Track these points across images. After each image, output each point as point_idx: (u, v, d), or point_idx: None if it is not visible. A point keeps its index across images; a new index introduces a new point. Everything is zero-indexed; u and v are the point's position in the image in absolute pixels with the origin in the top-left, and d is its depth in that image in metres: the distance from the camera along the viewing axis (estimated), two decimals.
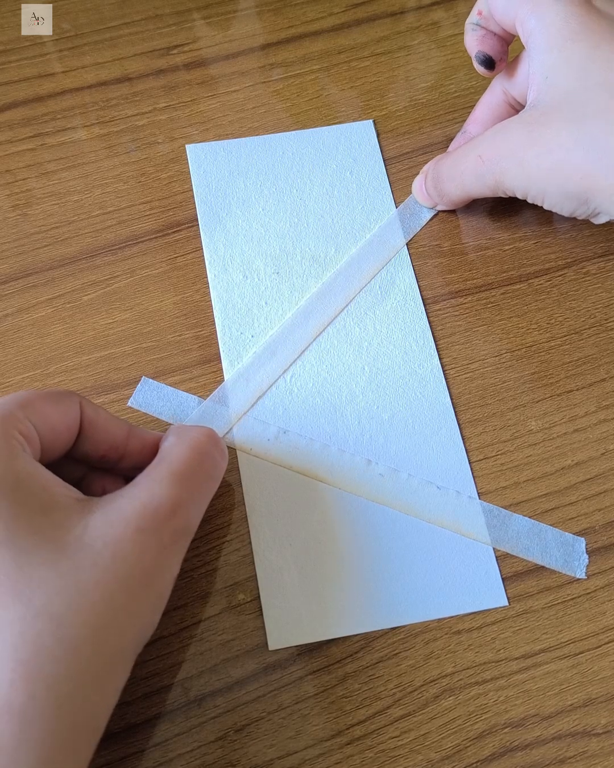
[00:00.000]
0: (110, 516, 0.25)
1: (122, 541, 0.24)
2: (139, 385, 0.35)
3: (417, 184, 0.39)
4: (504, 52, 0.36)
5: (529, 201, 0.34)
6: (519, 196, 0.34)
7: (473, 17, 0.36)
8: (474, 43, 0.36)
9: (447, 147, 0.41)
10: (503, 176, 0.33)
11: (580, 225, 0.39)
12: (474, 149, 0.34)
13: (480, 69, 0.36)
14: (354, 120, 0.42)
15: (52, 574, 0.23)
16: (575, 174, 0.31)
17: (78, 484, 0.30)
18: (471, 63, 0.43)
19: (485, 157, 0.33)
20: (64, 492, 0.25)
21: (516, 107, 0.37)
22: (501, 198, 0.39)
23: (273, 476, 0.34)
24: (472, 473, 0.34)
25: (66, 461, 0.29)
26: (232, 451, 0.34)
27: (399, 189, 0.40)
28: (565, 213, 0.33)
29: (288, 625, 0.31)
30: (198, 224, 0.39)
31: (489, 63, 0.36)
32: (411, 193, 0.40)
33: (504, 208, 0.40)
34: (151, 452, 0.29)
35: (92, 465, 0.30)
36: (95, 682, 0.23)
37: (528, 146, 0.32)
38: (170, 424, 0.30)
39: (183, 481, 0.27)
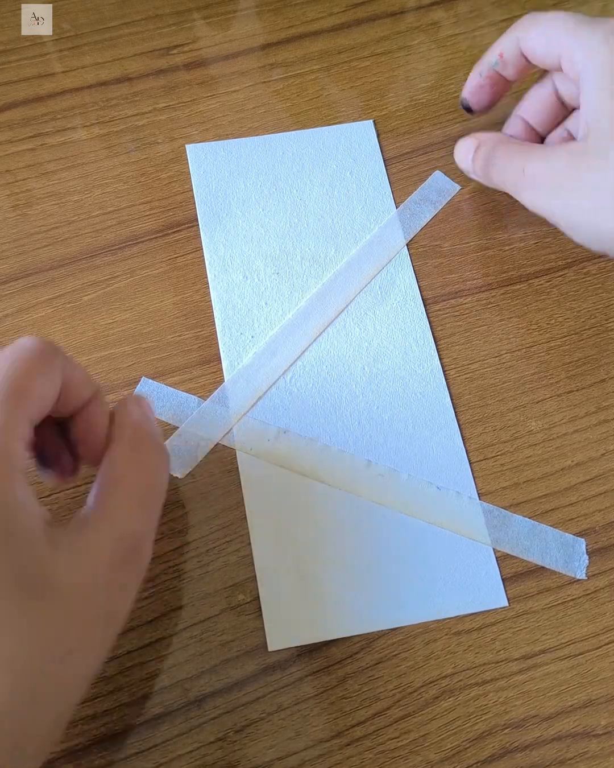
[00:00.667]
0: (81, 555, 0.23)
1: (94, 587, 0.23)
2: (138, 385, 0.35)
3: (464, 148, 0.38)
4: (490, 106, 0.39)
5: (560, 228, 0.34)
6: (551, 222, 0.34)
7: (492, 58, 0.36)
8: (472, 87, 0.38)
9: (447, 146, 0.41)
10: (539, 200, 0.34)
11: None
12: (522, 158, 0.34)
13: (461, 107, 0.39)
14: (355, 120, 0.42)
15: (23, 623, 0.21)
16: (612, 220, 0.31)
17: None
18: (472, 63, 0.43)
19: (527, 173, 0.34)
20: (38, 523, 0.23)
21: (566, 104, 0.37)
22: (499, 211, 0.39)
23: (273, 477, 0.34)
24: (472, 474, 0.34)
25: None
26: (231, 451, 0.34)
27: (400, 189, 0.40)
28: (593, 249, 0.34)
29: (287, 625, 0.31)
30: (198, 224, 0.39)
31: (467, 110, 0.39)
32: (410, 193, 0.40)
33: (505, 208, 0.40)
34: (98, 434, 0.27)
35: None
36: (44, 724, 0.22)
37: (570, 179, 0.32)
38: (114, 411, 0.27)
39: (144, 512, 0.25)
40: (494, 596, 0.32)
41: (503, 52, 0.35)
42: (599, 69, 0.31)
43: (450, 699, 0.30)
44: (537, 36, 0.34)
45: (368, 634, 0.31)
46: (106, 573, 0.23)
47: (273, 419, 0.35)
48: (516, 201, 0.39)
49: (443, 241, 0.39)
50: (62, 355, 0.25)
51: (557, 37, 0.33)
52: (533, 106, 0.38)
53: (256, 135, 0.41)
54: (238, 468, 0.34)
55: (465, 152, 0.38)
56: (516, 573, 0.32)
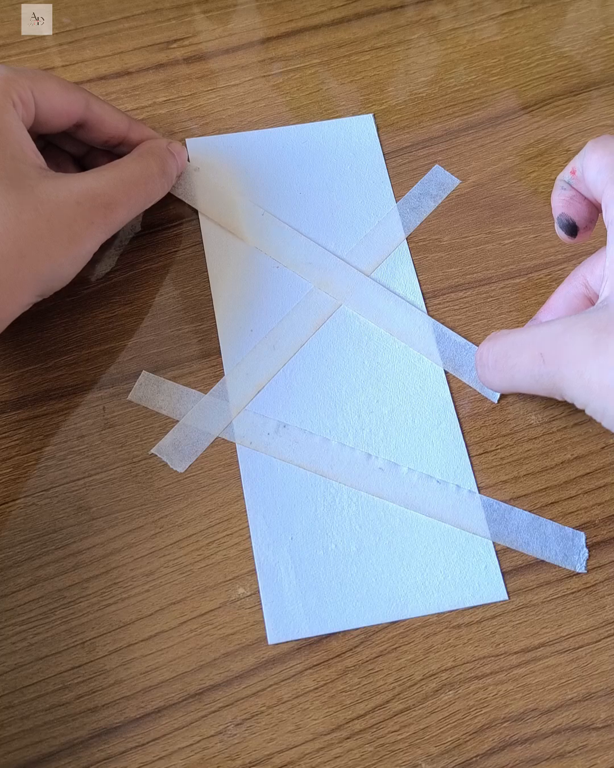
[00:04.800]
0: (59, 186, 0.31)
1: (62, 205, 0.31)
2: (138, 379, 0.35)
3: (476, 365, 0.34)
4: (592, 220, 0.32)
5: (588, 414, 0.29)
6: (580, 407, 0.29)
7: (566, 175, 0.32)
8: (560, 203, 0.32)
9: (447, 140, 0.41)
10: (562, 383, 0.28)
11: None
12: (534, 344, 0.29)
13: (561, 234, 0.33)
14: (354, 114, 0.42)
15: (4, 204, 0.29)
16: None
17: (82, 159, 0.38)
18: (471, 57, 0.43)
19: (547, 357, 0.28)
20: (33, 157, 0.32)
21: (595, 302, 0.32)
22: (498, 205, 0.39)
23: (272, 470, 0.34)
24: (472, 467, 0.34)
25: (72, 140, 0.37)
26: (231, 445, 0.34)
27: (399, 183, 0.40)
28: None
29: (287, 619, 0.31)
30: (198, 218, 0.39)
31: (571, 229, 0.32)
32: (410, 187, 0.40)
33: (504, 203, 0.40)
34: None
35: (95, 146, 0.37)
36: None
37: (592, 356, 0.27)
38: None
39: (124, 188, 0.33)
40: (494, 590, 0.32)
41: (575, 169, 0.31)
42: None
43: (450, 692, 0.30)
44: (594, 163, 0.30)
45: (368, 627, 0.31)
46: (76, 206, 0.31)
47: (273, 413, 0.35)
48: (516, 195, 0.39)
49: (443, 234, 0.39)
50: (86, 93, 0.34)
51: (606, 173, 0.29)
52: (558, 306, 0.34)
53: (256, 129, 0.41)
54: (237, 461, 0.34)
55: (478, 367, 0.33)
56: (516, 566, 0.32)
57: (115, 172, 0.34)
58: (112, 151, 0.38)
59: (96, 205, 0.32)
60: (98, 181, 0.33)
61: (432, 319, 0.36)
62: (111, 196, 0.33)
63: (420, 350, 0.36)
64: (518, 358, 0.30)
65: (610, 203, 0.29)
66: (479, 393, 0.35)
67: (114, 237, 0.38)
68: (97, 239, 0.33)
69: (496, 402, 0.35)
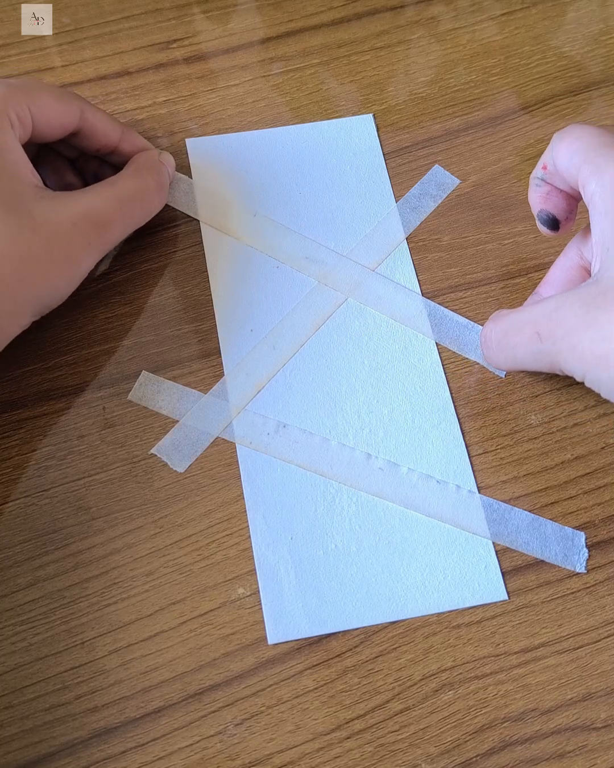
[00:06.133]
0: (57, 207, 0.31)
1: (59, 226, 0.31)
2: (138, 379, 0.35)
3: (481, 345, 0.35)
4: (572, 211, 0.33)
5: (588, 386, 0.29)
6: (579, 380, 0.29)
7: (538, 171, 0.33)
8: (537, 199, 0.33)
9: (447, 140, 0.41)
10: (559, 357, 0.29)
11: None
12: (530, 323, 0.30)
13: (543, 229, 0.34)
14: (354, 114, 0.42)
15: (4, 229, 0.30)
16: None
17: (73, 162, 0.38)
18: (471, 57, 0.43)
19: (543, 334, 0.29)
20: (29, 177, 0.32)
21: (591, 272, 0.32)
22: (498, 205, 0.39)
23: (272, 470, 0.34)
24: (472, 467, 0.34)
25: (66, 146, 0.37)
26: (231, 445, 0.34)
27: (399, 183, 0.40)
28: None
29: (287, 619, 0.31)
30: (198, 218, 0.39)
31: (552, 223, 0.33)
32: (410, 187, 0.40)
33: (504, 203, 0.40)
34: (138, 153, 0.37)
35: (88, 153, 0.37)
36: None
37: (583, 329, 0.28)
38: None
39: (120, 206, 0.34)
40: (494, 590, 0.32)
41: (546, 164, 0.32)
42: (608, 195, 0.29)
43: (450, 692, 0.30)
44: (563, 152, 0.31)
45: (368, 627, 0.31)
46: (72, 227, 0.31)
47: (273, 413, 0.35)
48: (516, 195, 0.39)
49: (442, 234, 0.39)
50: (81, 101, 0.34)
51: (577, 157, 0.30)
52: (556, 279, 0.35)
53: (256, 129, 0.41)
54: (237, 461, 0.34)
55: (483, 348, 0.34)
56: (516, 566, 0.32)
57: (112, 190, 0.34)
58: (104, 159, 0.38)
59: (93, 225, 0.32)
60: (95, 199, 0.33)
61: (435, 304, 0.37)
62: (108, 215, 0.33)
63: (424, 333, 0.36)
64: (517, 338, 0.31)
65: (587, 181, 0.29)
66: (480, 394, 0.35)
67: None
68: (94, 258, 0.33)
69: (503, 376, 0.36)
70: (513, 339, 0.31)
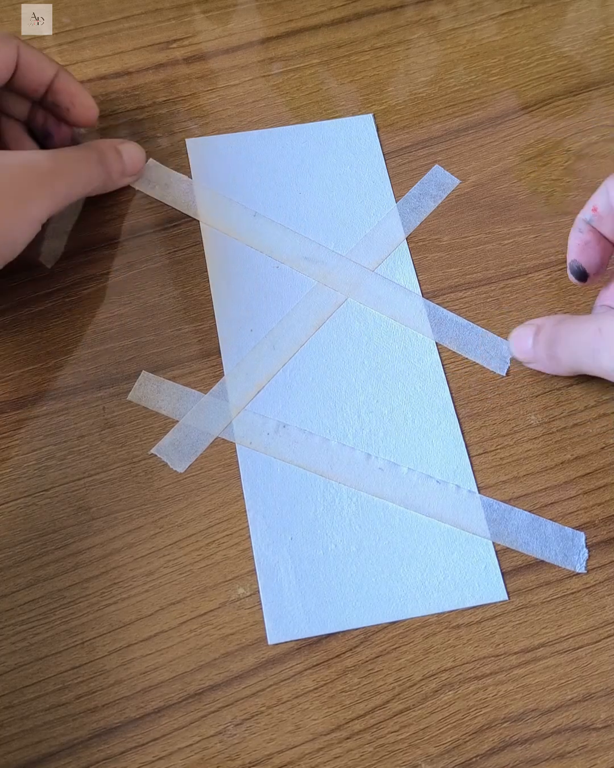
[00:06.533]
0: (5, 153, 0.33)
1: (7, 167, 0.32)
2: (138, 379, 0.35)
3: (523, 334, 0.35)
4: (604, 265, 0.33)
5: None
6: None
7: (586, 213, 0.32)
8: (574, 247, 0.33)
9: (446, 140, 0.41)
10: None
11: None
12: (596, 321, 0.31)
13: (571, 278, 0.34)
14: (354, 114, 0.42)
15: None
16: None
17: (24, 116, 0.38)
18: (471, 57, 0.43)
19: (604, 331, 0.30)
20: None
21: None
22: (498, 205, 0.39)
23: (272, 470, 0.34)
24: (472, 467, 0.34)
25: (14, 97, 0.37)
26: (231, 445, 0.34)
27: (399, 183, 0.40)
28: None
29: (287, 619, 0.31)
30: (198, 218, 0.39)
31: (582, 275, 0.34)
32: (410, 187, 0.40)
33: (504, 203, 0.40)
34: (77, 100, 0.37)
35: (28, 96, 0.37)
36: None
37: None
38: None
39: (64, 162, 0.34)
40: (494, 590, 0.32)
41: (596, 206, 0.32)
42: None
43: (450, 692, 0.30)
44: None
45: (367, 627, 0.31)
46: (20, 168, 0.32)
47: (273, 413, 0.35)
48: (516, 195, 0.39)
49: (442, 234, 0.39)
50: (15, 38, 0.35)
51: None
52: None
53: (256, 129, 0.41)
54: (237, 462, 0.34)
55: (524, 338, 0.35)
56: (516, 567, 0.32)
57: (55, 151, 0.35)
58: (53, 112, 0.38)
59: (40, 172, 0.33)
60: (40, 154, 0.34)
61: (435, 304, 0.37)
62: (52, 166, 0.34)
63: (424, 333, 0.36)
64: (583, 335, 0.31)
65: None
66: (479, 394, 0.35)
67: (60, 218, 0.39)
68: (44, 206, 0.33)
69: (504, 375, 0.36)
70: (579, 335, 0.32)
